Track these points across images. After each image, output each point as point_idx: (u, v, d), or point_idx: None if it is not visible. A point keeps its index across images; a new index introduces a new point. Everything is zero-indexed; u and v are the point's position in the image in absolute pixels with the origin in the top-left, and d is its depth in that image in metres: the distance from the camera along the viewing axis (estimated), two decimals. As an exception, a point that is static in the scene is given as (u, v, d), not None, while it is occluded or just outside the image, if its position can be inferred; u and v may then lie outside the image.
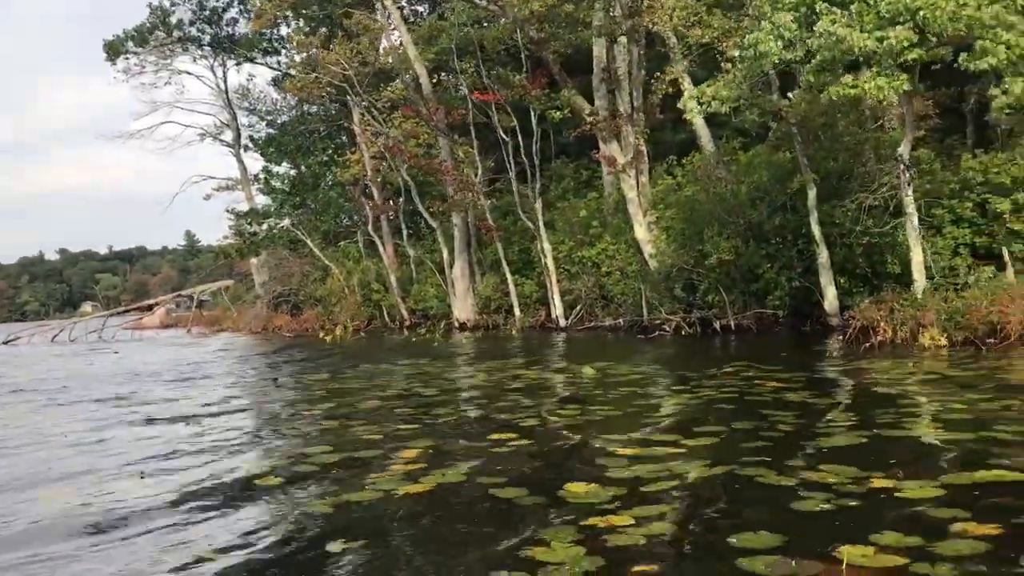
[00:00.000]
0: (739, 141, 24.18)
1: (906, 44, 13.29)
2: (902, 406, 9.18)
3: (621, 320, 23.94)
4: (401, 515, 5.98)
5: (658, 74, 22.41)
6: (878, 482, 6.12)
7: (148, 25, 39.04)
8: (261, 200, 41.84)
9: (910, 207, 17.45)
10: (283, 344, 28.63)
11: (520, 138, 26.71)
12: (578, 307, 25.89)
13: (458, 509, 6.19)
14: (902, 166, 17.06)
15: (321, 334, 29.58)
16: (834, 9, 14.14)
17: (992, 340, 14.20)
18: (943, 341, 14.74)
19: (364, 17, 29.73)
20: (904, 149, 17.25)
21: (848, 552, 4.61)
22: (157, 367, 20.82)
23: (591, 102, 24.70)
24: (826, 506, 5.60)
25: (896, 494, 5.81)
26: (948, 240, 19.12)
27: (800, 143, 19.16)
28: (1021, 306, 14.26)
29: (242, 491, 7.01)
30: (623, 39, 23.01)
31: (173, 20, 39.29)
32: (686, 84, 22.37)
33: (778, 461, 6.89)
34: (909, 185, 17.39)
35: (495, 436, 8.61)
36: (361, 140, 32.80)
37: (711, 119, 22.75)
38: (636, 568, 4.62)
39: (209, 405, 12.65)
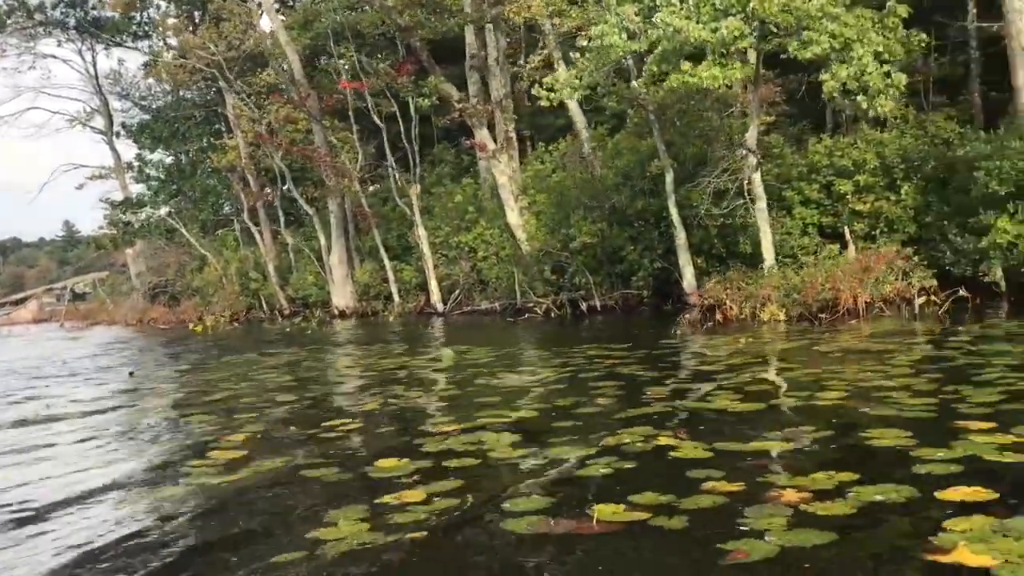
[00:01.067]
0: (606, 127, 24.83)
1: (737, 35, 14.00)
2: (715, 378, 9.80)
3: (497, 304, 24.37)
4: (212, 506, 6.08)
5: (527, 60, 22.81)
6: (663, 440, 6.65)
7: (5, 8, 37.23)
8: (136, 189, 40.58)
9: (758, 190, 18.37)
10: (155, 336, 28.00)
11: (401, 123, 26.83)
12: (456, 292, 26.20)
13: (263, 495, 6.35)
14: (747, 152, 17.90)
15: (191, 325, 29.06)
16: (674, 1, 14.76)
17: (824, 315, 15.15)
18: (782, 316, 15.66)
19: (231, 2, 29.13)
20: (751, 135, 18.11)
21: (600, 510, 5.04)
22: (5, 364, 20.08)
23: (467, 88, 24.94)
24: (605, 470, 6.05)
25: (671, 454, 6.32)
26: (797, 220, 20.15)
27: (658, 130, 19.86)
28: (850, 283, 15.27)
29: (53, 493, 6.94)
30: (491, 26, 23.35)
31: (34, 2, 37.53)
32: (560, 70, 22.85)
33: (584, 433, 7.35)
34: (756, 170, 18.28)
35: (330, 423, 8.80)
36: (235, 126, 32.19)
37: (588, 104, 23.34)
38: (409, 536, 4.93)
39: (47, 400, 12.38)
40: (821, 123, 24.51)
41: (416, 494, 5.75)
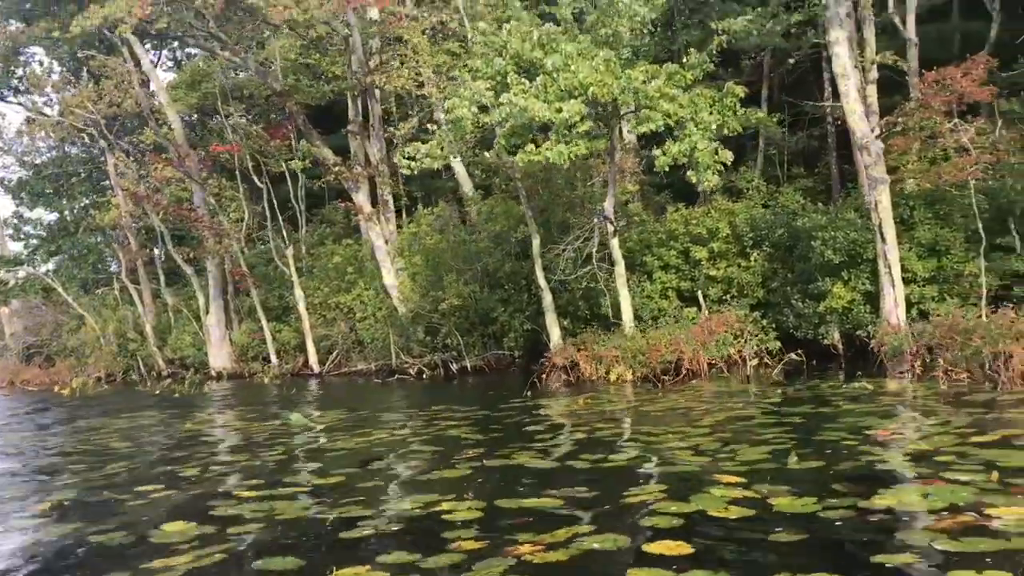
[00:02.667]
0: (479, 192, 25.53)
1: (579, 117, 14.83)
2: (535, 438, 10.24)
3: (373, 365, 24.50)
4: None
5: (397, 127, 23.41)
6: (445, 505, 7.00)
7: None
8: (15, 247, 39.38)
9: (616, 255, 19.19)
10: (20, 399, 27.08)
11: (290, 183, 27.10)
12: (335, 353, 26.22)
13: (47, 558, 6.43)
14: (602, 219, 18.73)
15: (56, 387, 28.25)
16: (523, 80, 15.55)
17: (667, 376, 15.87)
18: (629, 377, 16.32)
19: (110, 60, 29.04)
20: (608, 204, 18.96)
21: (341, 572, 5.34)
22: None
23: (349, 150, 25.34)
24: (368, 532, 6.35)
25: (443, 516, 6.67)
26: (657, 284, 21.03)
27: (524, 196, 20.58)
28: (692, 346, 16.06)
29: None
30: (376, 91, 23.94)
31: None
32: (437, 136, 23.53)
33: (376, 495, 7.64)
34: (614, 236, 19.11)
35: (145, 487, 8.86)
36: (116, 185, 31.81)
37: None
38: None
39: None
40: (687, 192, 25.70)
41: (183, 559, 5.94)
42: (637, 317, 19.62)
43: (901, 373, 14.32)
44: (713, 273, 20.40)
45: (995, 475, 6.63)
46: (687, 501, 6.40)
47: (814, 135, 26.16)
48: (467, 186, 25.94)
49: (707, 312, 19.48)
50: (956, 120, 16.89)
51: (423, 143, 17.68)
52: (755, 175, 24.13)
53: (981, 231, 16.82)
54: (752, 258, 20.03)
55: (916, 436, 8.75)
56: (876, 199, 16.39)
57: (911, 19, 22.63)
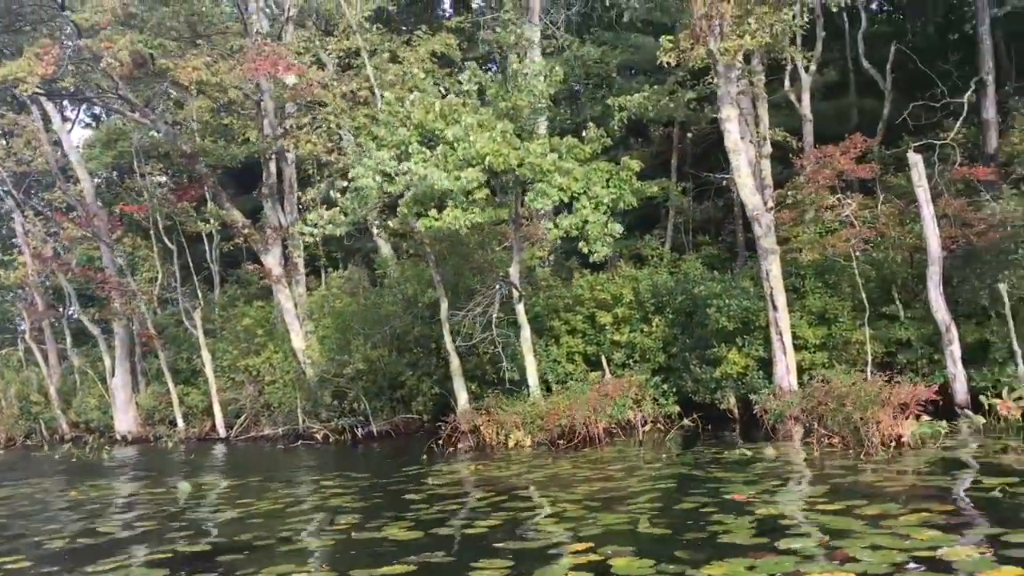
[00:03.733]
0: (395, 255, 25.71)
1: (476, 185, 15.20)
2: (412, 507, 10.28)
3: (280, 430, 24.17)
4: None
5: (304, 192, 23.59)
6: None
7: None
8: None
9: (522, 320, 19.45)
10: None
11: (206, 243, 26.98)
12: (243, 417, 25.80)
13: None
14: (507, 284, 19.03)
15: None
16: (424, 150, 15.91)
17: (563, 442, 16.06)
18: (527, 443, 16.46)
19: (20, 118, 28.71)
20: (514, 270, 19.28)
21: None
22: None
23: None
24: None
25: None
26: (564, 349, 21.34)
27: (432, 261, 20.80)
28: (587, 411, 16.31)
29: None
30: (288, 155, 24.10)
31: None
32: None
33: (231, 569, 7.59)
34: (520, 301, 19.39)
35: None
36: (24, 243, 31.14)
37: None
38: None
39: None
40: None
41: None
42: (544, 381, 19.86)
43: (782, 439, 14.76)
44: (617, 338, 20.78)
45: (825, 538, 6.94)
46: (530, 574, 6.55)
47: (719, 204, 27.11)
48: (385, 249, 26.13)
49: (610, 376, 19.82)
50: (839, 195, 17.76)
51: (329, 208, 17.84)
52: (659, 243, 24.82)
53: (865, 300, 17.59)
54: (654, 324, 20.51)
55: (770, 503, 9.04)
56: (767, 269, 17.02)
57: (806, 97, 23.88)
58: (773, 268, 16.99)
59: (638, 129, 27.91)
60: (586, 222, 15.72)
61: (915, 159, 16.85)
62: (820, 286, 18.88)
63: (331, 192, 17.59)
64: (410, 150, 15.90)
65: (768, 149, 20.78)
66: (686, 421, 17.54)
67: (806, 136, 23.41)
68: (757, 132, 20.65)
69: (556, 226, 15.80)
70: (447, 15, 37.57)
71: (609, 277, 21.88)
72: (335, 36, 23.66)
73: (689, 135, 24.27)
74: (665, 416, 18.34)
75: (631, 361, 20.48)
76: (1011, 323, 16.05)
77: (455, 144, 15.57)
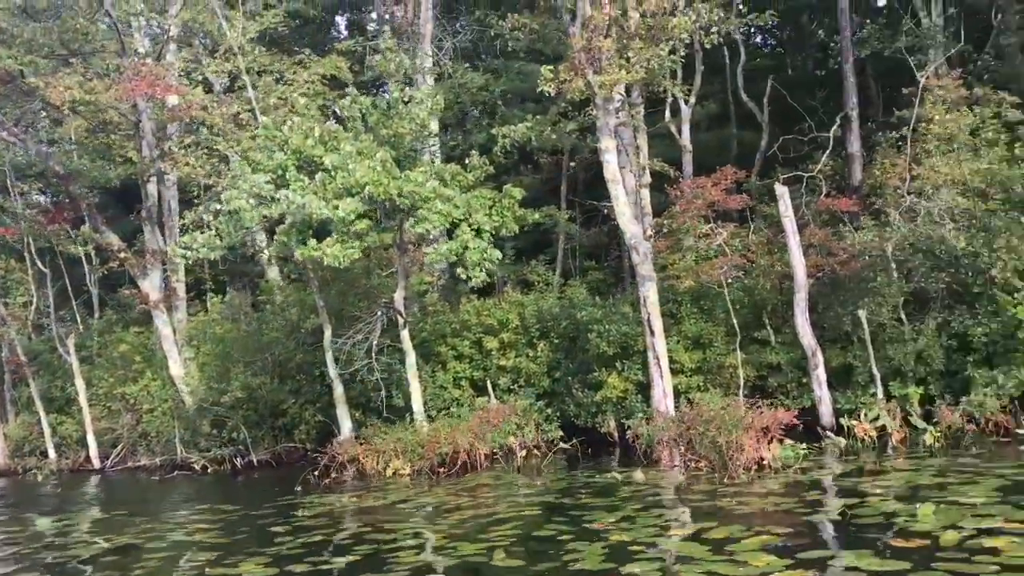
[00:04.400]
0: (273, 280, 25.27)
1: (355, 215, 15.13)
2: (275, 541, 10.09)
3: (158, 460, 23.34)
4: None
5: (183, 215, 22.99)
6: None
7: None
8: None
9: (407, 346, 19.37)
10: None
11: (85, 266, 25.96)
12: (119, 447, 24.80)
13: None
14: (392, 310, 18.96)
15: None
16: (302, 177, 15.76)
17: (443, 469, 16.04)
18: (406, 471, 16.36)
19: None
20: (398, 296, 19.21)
21: None
22: None
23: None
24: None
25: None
26: (450, 374, 21.33)
27: (316, 286, 20.54)
28: (468, 437, 16.35)
29: None
30: (168, 177, 23.49)
31: None
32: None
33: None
34: (404, 327, 19.33)
35: None
36: None
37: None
38: None
39: None
40: (486, 284, 26.31)
41: None
42: (431, 407, 19.82)
43: (656, 463, 15.11)
44: (503, 363, 20.90)
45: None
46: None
47: (605, 231, 27.67)
48: (272, 273, 25.66)
49: (495, 401, 19.92)
50: (712, 224, 18.40)
51: (205, 232, 17.43)
52: (546, 268, 25.17)
53: (736, 326, 18.21)
54: (539, 348, 20.72)
55: (627, 529, 9.24)
56: (645, 295, 17.46)
57: (686, 128, 24.73)
58: (650, 294, 17.44)
59: (528, 156, 28.32)
60: (466, 248, 15.83)
61: (781, 191, 17.62)
62: (696, 312, 19.46)
63: (205, 215, 17.21)
64: (288, 176, 15.71)
65: (647, 179, 21.40)
66: (564, 445, 17.75)
67: (686, 166, 24.22)
68: (637, 162, 21.26)
69: (436, 252, 15.83)
70: (342, 37, 37.41)
71: (496, 303, 22.03)
72: (216, 58, 23.22)
73: (572, 164, 24.73)
74: (548, 441, 18.51)
75: (516, 386, 20.61)
76: (870, 348, 16.89)
77: (334, 172, 15.47)
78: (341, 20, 41.18)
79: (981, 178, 16.75)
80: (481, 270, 15.92)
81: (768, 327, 18.74)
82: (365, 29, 35.68)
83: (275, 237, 16.19)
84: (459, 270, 16.27)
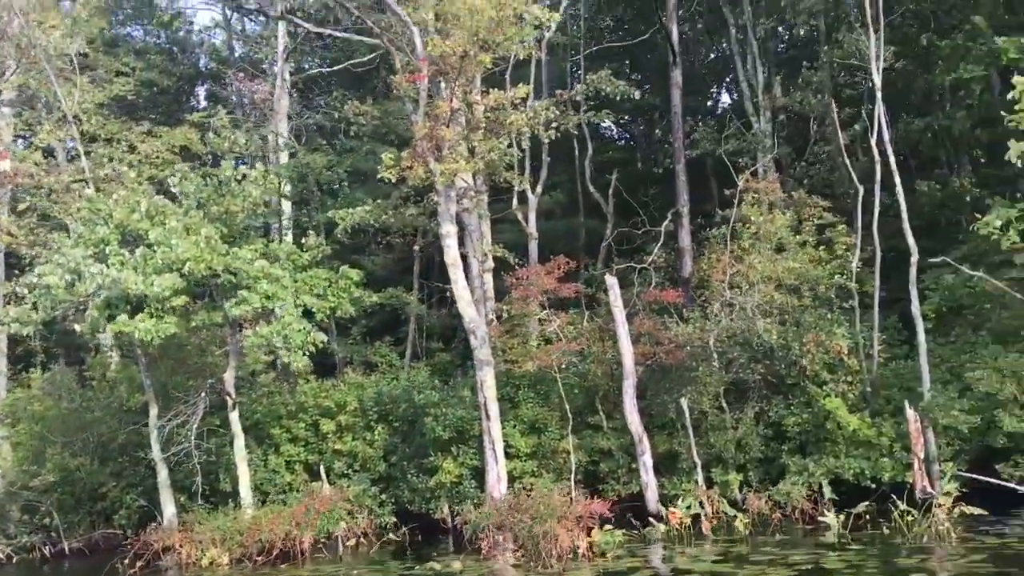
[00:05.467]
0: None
1: (172, 291, 14.73)
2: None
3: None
4: None
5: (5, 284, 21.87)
6: None
7: None
8: None
9: (236, 428, 18.76)
10: None
11: None
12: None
13: None
14: (222, 391, 18.38)
15: None
16: (123, 251, 15.27)
17: (261, 558, 15.44)
18: (224, 560, 15.66)
19: None
20: (228, 376, 18.66)
21: None
22: None
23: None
24: None
25: None
26: (283, 458, 20.69)
27: (144, 363, 19.71)
28: (289, 526, 15.83)
29: None
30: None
31: None
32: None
33: None
34: (234, 409, 18.74)
35: None
36: None
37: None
38: None
39: None
40: (328, 364, 25.82)
41: None
42: (262, 492, 19.15)
43: (482, 550, 15.03)
44: (339, 447, 20.47)
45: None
46: None
47: (454, 312, 27.82)
48: (105, 346, 24.45)
49: (328, 487, 19.44)
50: (547, 311, 18.85)
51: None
52: (389, 349, 25.05)
53: (569, 411, 18.56)
54: (377, 432, 20.42)
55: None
56: (482, 379, 17.59)
57: (532, 216, 25.42)
58: (487, 378, 17.59)
59: (382, 235, 28.38)
60: (288, 330, 15.58)
61: (611, 281, 18.29)
62: (533, 396, 19.71)
63: (18, 288, 16.37)
64: (108, 250, 15.19)
65: (490, 264, 21.79)
66: (392, 536, 17.44)
67: (532, 253, 24.82)
68: (481, 248, 21.65)
69: (256, 334, 15.54)
70: (200, 108, 36.85)
71: (334, 384, 21.71)
72: (51, 123, 22.45)
73: (416, 248, 24.96)
74: (380, 527, 18.16)
75: (352, 470, 20.21)
76: (691, 435, 17.50)
77: (156, 247, 15.06)
78: (202, 90, 40.72)
79: (794, 276, 17.86)
80: (304, 353, 15.68)
81: (601, 412, 19.15)
82: (226, 101, 35.32)
83: (87, 313, 15.51)
84: (282, 352, 15.97)
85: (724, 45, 28.41)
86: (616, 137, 39.67)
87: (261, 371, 22.16)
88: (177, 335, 17.14)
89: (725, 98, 35.18)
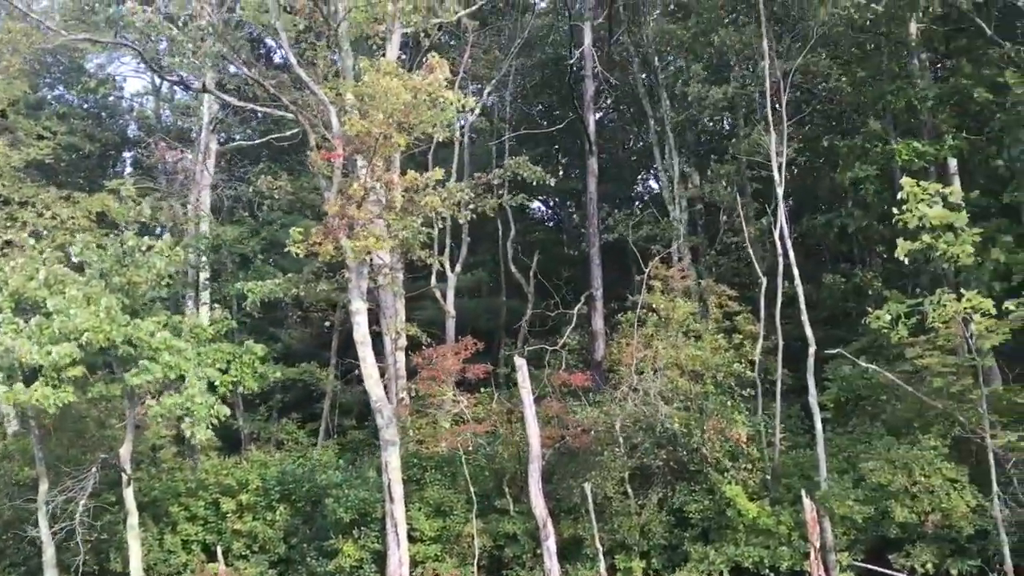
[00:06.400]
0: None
1: (69, 361, 14.36)
2: None
3: None
4: None
5: None
6: None
7: None
8: None
9: (130, 506, 18.08)
10: None
11: None
12: None
13: None
14: (117, 466, 17.78)
15: None
16: (16, 319, 14.89)
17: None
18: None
19: None
20: (124, 451, 18.05)
21: None
22: None
23: None
24: None
25: None
26: (180, 537, 19.98)
27: (37, 436, 18.99)
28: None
29: None
30: None
31: None
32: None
33: None
34: (128, 485, 18.10)
35: None
36: None
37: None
38: None
39: None
40: (234, 439, 25.26)
41: None
42: (156, 572, 18.41)
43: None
44: (239, 527, 19.93)
45: None
46: None
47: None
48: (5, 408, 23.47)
49: (224, 568, 18.81)
50: (454, 392, 18.78)
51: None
52: (296, 426, 24.61)
53: (473, 494, 18.36)
54: (278, 512, 19.92)
55: None
56: (387, 460, 17.34)
57: (450, 294, 25.51)
58: (392, 459, 17.35)
59: (300, 310, 28.14)
60: (192, 402, 15.26)
61: (520, 363, 18.30)
62: (440, 478, 19.47)
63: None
64: (1, 318, 14.78)
65: (403, 342, 21.68)
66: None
67: (449, 331, 24.81)
68: (395, 325, 21.56)
69: (159, 405, 15.18)
70: (126, 174, 36.41)
71: (237, 461, 21.17)
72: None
73: (328, 323, 24.81)
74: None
75: (250, 552, 19.64)
76: (594, 521, 17.42)
77: (54, 316, 14.71)
78: (129, 156, 40.31)
79: (697, 363, 18.16)
80: (207, 427, 15.34)
81: (508, 496, 18.96)
82: (151, 169, 34.99)
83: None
84: (183, 425, 15.60)
85: (645, 135, 29.31)
86: (545, 218, 40.31)
87: (162, 446, 21.51)
88: (74, 406, 16.67)
89: (655, 185, 36.19)
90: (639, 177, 36.70)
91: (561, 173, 35.48)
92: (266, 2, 17.32)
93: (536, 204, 39.33)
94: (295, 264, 23.85)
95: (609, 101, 34.30)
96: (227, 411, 15.91)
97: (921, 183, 14.44)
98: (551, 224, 39.80)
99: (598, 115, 36.04)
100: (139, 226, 20.82)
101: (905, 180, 14.52)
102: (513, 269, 28.90)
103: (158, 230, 28.77)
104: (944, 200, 14.32)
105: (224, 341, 17.66)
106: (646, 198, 33.35)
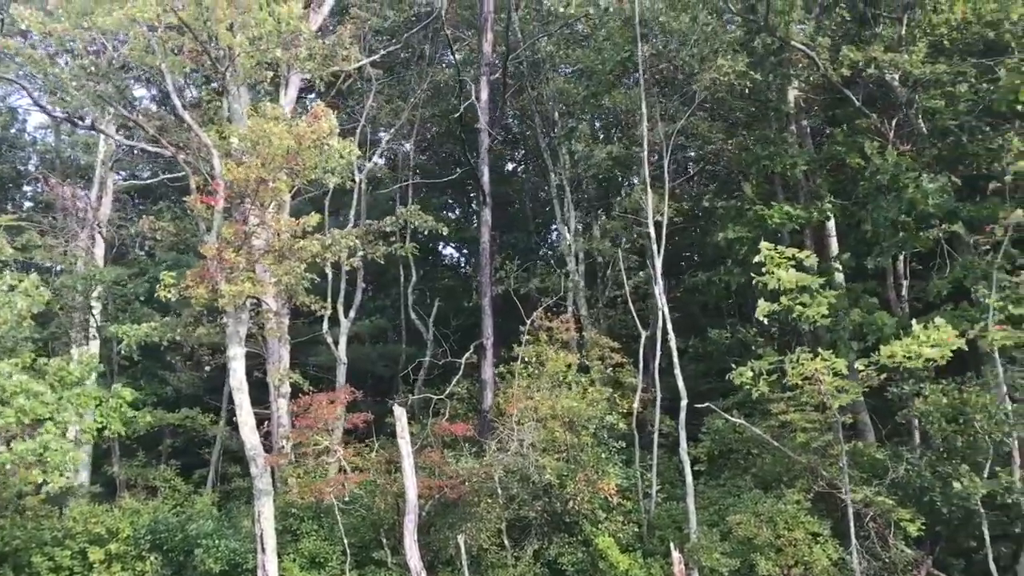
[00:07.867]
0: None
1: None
2: None
3: None
4: None
5: None
6: None
7: None
8: None
9: None
10: None
11: None
12: None
13: None
14: None
15: None
16: None
17: None
18: None
19: None
20: None
21: None
22: None
23: None
24: None
25: None
26: (41, 588, 19.14)
27: None
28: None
29: None
30: None
31: None
32: None
33: None
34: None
35: None
36: None
37: None
38: None
39: None
40: (108, 487, 24.37)
41: None
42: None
43: None
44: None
45: None
46: None
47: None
48: None
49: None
50: (329, 441, 18.59)
51: None
52: (175, 472, 23.97)
53: (347, 546, 18.10)
54: (149, 563, 19.24)
55: None
56: (260, 510, 16.98)
57: (343, 340, 25.26)
58: (265, 509, 17.01)
59: (188, 353, 27.53)
60: (46, 449, 14.76)
61: (399, 412, 18.25)
62: (316, 529, 19.14)
63: None
64: None
65: (287, 389, 21.39)
66: None
67: (340, 377, 24.54)
68: (278, 372, 21.30)
69: (11, 450, 14.64)
70: (21, 207, 35.48)
71: (107, 508, 20.45)
72: None
73: (209, 368, 24.37)
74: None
75: (120, 610, 18.89)
76: (467, 574, 17.33)
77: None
78: (29, 191, 39.25)
79: (572, 414, 18.37)
80: (62, 474, 14.85)
81: (385, 547, 18.74)
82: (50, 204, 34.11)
83: None
84: (35, 473, 15.06)
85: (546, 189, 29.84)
86: (460, 265, 40.34)
87: (28, 492, 20.65)
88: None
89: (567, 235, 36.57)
90: (545, 229, 37.21)
91: (465, 221, 35.93)
92: (152, 44, 17.21)
93: (450, 250, 39.55)
94: (185, 307, 23.52)
95: (522, 153, 34.83)
96: (84, 457, 15.45)
97: (777, 247, 15.01)
98: (463, 271, 39.90)
99: (510, 166, 36.72)
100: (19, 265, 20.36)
101: (763, 244, 15.09)
102: (413, 316, 28.85)
103: (58, 268, 28.21)
104: (799, 264, 14.90)
105: (96, 384, 17.18)
106: (549, 251, 33.82)
